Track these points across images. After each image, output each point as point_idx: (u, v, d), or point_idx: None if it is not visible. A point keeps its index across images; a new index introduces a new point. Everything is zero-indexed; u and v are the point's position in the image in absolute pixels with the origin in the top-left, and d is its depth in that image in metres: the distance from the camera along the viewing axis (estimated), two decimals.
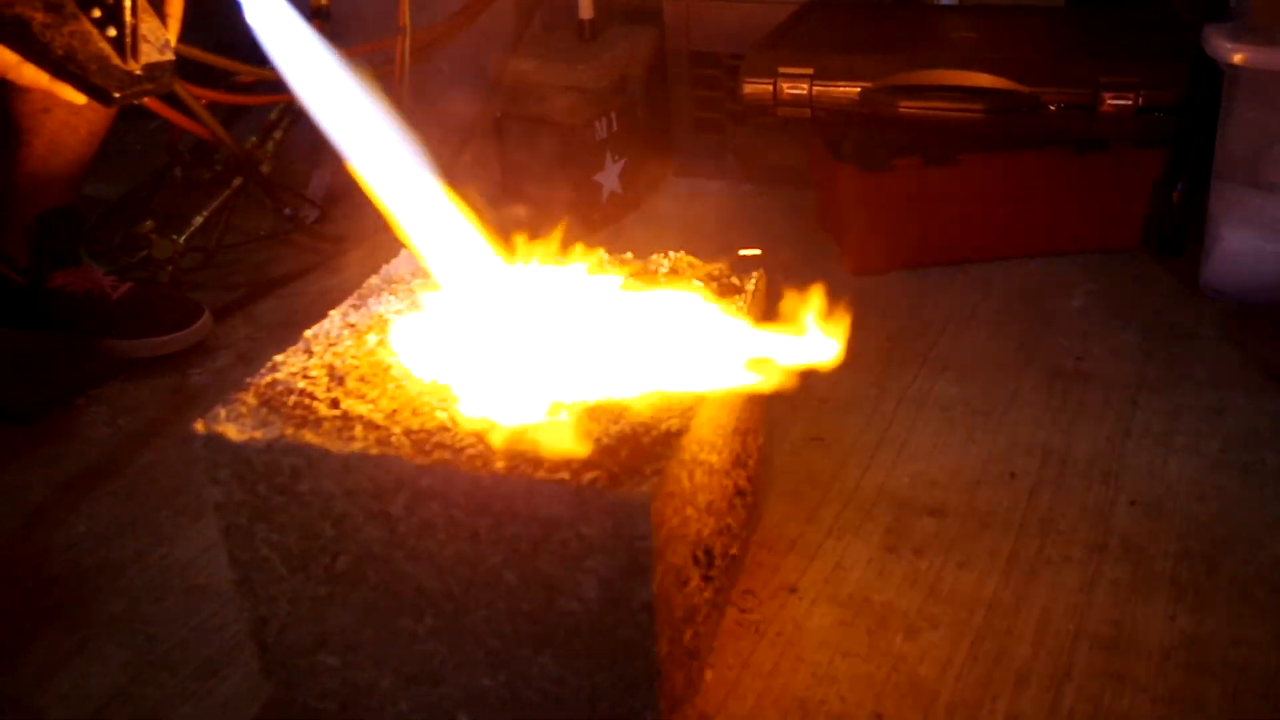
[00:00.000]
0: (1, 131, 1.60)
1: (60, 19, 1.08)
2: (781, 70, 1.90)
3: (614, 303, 1.12)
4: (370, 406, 0.99)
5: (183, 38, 1.29)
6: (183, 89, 1.87)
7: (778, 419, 1.48)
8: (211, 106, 2.03)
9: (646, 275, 1.18)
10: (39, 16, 1.07)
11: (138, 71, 1.12)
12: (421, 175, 1.02)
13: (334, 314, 1.16)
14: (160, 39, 1.16)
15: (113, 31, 1.10)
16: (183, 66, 1.42)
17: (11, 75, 1.08)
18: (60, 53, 1.08)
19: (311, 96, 1.00)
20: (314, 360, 1.07)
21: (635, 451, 0.92)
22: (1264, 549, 1.26)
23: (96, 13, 1.09)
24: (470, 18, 2.21)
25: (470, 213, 1.06)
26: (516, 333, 1.05)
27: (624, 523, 0.89)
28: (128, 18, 1.11)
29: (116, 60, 1.11)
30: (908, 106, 1.84)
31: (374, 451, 0.94)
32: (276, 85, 1.02)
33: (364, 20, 2.22)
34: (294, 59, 1.00)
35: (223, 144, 2.01)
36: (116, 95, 1.12)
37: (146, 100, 1.37)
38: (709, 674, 1.13)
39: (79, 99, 1.11)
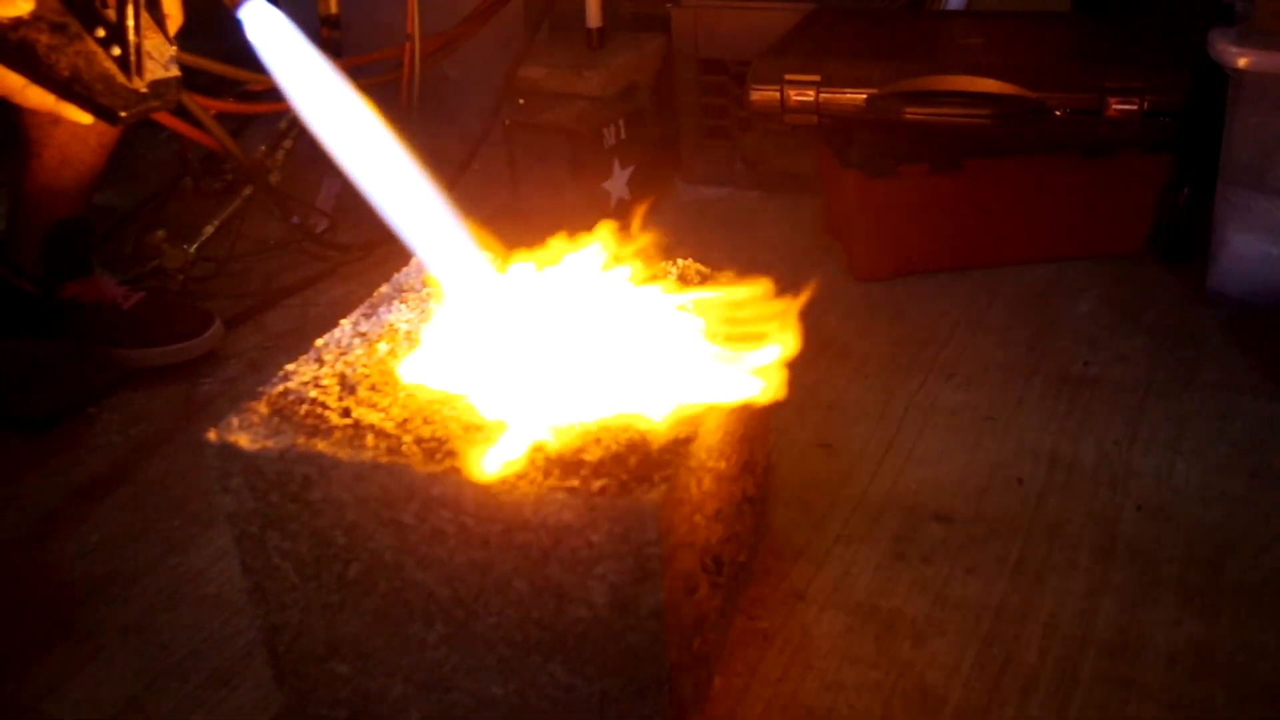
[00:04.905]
0: (12, 143, 1.61)
1: (65, 39, 1.07)
2: (788, 77, 1.90)
3: (621, 311, 1.13)
4: (381, 415, 1.00)
5: (192, 47, 1.28)
6: (190, 99, 1.87)
7: (785, 425, 1.49)
8: (222, 116, 2.03)
9: (654, 283, 1.19)
10: (44, 38, 1.06)
11: (143, 89, 1.11)
12: (422, 190, 1.02)
13: (345, 323, 1.17)
14: (165, 55, 1.14)
15: (117, 50, 1.09)
16: (191, 76, 1.41)
17: (18, 98, 1.07)
18: (66, 74, 1.07)
19: (314, 113, 1.00)
20: (325, 369, 1.08)
21: (644, 459, 0.93)
22: (1271, 554, 1.26)
23: (101, 32, 1.08)
24: (479, 23, 2.21)
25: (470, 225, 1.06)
26: (524, 342, 1.05)
27: (633, 529, 0.89)
28: (132, 36, 1.09)
29: (122, 79, 1.10)
30: (914, 112, 1.85)
31: (385, 460, 0.94)
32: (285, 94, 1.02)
33: (373, 27, 2.22)
34: (296, 75, 1.00)
35: (231, 154, 2.02)
36: (123, 114, 1.11)
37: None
38: (718, 681, 1.13)
39: (85, 119, 1.10)
